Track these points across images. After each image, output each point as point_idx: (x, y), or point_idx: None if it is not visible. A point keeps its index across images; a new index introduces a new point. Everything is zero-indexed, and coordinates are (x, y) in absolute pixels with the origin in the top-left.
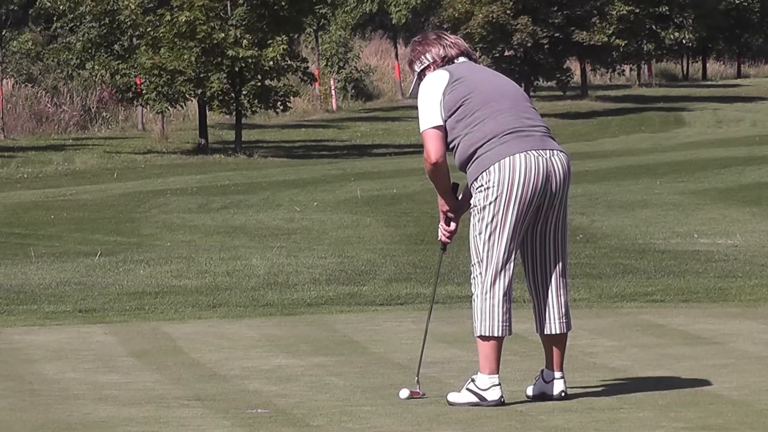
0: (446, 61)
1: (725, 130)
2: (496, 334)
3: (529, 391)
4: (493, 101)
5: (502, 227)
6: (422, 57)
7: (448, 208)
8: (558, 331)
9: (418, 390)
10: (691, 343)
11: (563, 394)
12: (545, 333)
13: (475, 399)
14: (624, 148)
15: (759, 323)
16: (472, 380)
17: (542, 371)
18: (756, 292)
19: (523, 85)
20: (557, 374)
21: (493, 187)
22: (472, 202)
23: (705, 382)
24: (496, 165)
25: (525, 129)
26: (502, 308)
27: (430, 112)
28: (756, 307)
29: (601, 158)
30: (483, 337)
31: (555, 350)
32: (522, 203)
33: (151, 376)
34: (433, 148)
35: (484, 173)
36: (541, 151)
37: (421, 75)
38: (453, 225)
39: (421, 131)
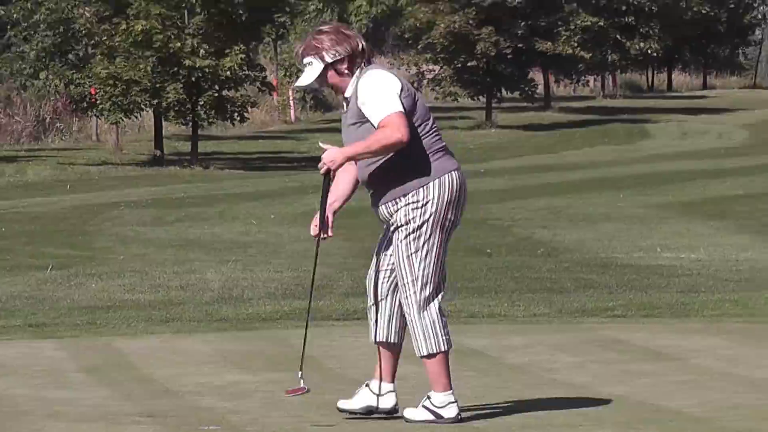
0: (361, 56)
1: (690, 143)
2: (442, 349)
3: (347, 405)
4: (429, 115)
5: (439, 245)
6: (337, 48)
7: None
8: (393, 340)
9: (302, 386)
10: (652, 359)
11: (397, 408)
12: (390, 342)
13: (431, 417)
14: (587, 160)
15: (722, 339)
16: (428, 398)
17: (373, 383)
18: (719, 308)
19: (485, 96)
20: (390, 386)
21: (431, 202)
22: (401, 218)
23: (666, 399)
24: (436, 181)
25: (448, 147)
26: (441, 322)
27: (395, 99)
28: (719, 323)
29: (563, 171)
30: (429, 356)
31: (393, 360)
32: (454, 220)
33: (103, 392)
34: (405, 127)
35: (421, 189)
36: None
37: (330, 67)
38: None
39: (387, 113)
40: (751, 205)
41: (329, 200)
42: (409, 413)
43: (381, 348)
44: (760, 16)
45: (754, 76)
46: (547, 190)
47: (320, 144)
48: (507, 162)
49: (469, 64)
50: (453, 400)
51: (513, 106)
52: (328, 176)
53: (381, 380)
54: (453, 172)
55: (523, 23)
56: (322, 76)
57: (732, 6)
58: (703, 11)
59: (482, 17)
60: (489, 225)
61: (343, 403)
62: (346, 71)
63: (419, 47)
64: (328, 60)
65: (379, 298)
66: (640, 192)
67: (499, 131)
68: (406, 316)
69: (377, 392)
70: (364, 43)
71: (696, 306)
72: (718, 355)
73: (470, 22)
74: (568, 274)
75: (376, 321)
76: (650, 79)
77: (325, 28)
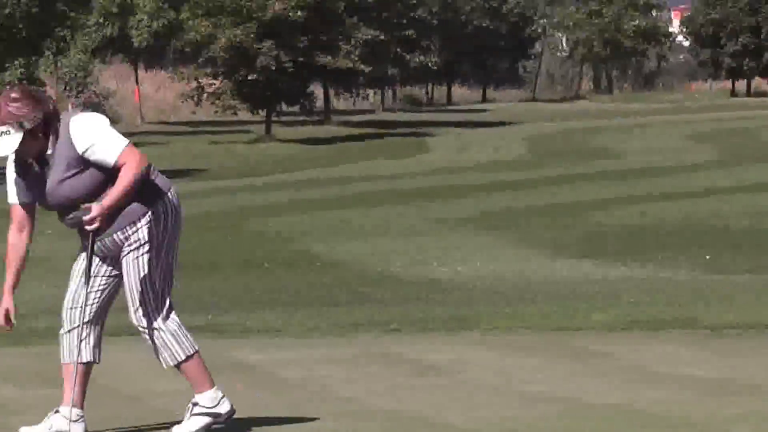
0: (54, 117)
1: (468, 156)
2: (196, 348)
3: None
4: None
5: (174, 258)
6: (35, 113)
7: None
8: (98, 361)
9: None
10: (425, 374)
11: None
12: (96, 361)
13: (208, 420)
14: (366, 174)
15: (494, 352)
16: (196, 404)
17: (65, 408)
18: (493, 321)
19: (265, 109)
20: (82, 412)
21: (167, 218)
22: (141, 237)
23: (438, 413)
24: (167, 197)
25: None
26: (183, 328)
27: (117, 134)
28: (493, 336)
29: (342, 184)
30: (187, 358)
31: (86, 383)
32: (180, 234)
33: None
34: (142, 154)
35: (159, 205)
36: None
37: (29, 133)
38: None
39: (120, 149)
40: (528, 218)
41: (9, 284)
42: (182, 429)
43: (80, 371)
44: (539, 30)
45: (533, 89)
46: (325, 204)
47: (82, 206)
48: (286, 176)
49: (249, 77)
50: (221, 395)
51: (293, 119)
52: (96, 235)
53: (72, 405)
54: (173, 188)
55: (304, 37)
56: (22, 142)
57: (513, 20)
58: (483, 25)
59: (263, 31)
60: (266, 238)
61: (26, 430)
62: (42, 135)
63: (200, 61)
64: (27, 126)
65: (88, 320)
66: (418, 205)
67: (278, 145)
68: (150, 332)
69: (70, 417)
70: (54, 104)
71: (471, 319)
72: (491, 368)
73: (251, 35)
74: (344, 287)
75: (82, 343)
76: (430, 92)
77: (16, 94)
